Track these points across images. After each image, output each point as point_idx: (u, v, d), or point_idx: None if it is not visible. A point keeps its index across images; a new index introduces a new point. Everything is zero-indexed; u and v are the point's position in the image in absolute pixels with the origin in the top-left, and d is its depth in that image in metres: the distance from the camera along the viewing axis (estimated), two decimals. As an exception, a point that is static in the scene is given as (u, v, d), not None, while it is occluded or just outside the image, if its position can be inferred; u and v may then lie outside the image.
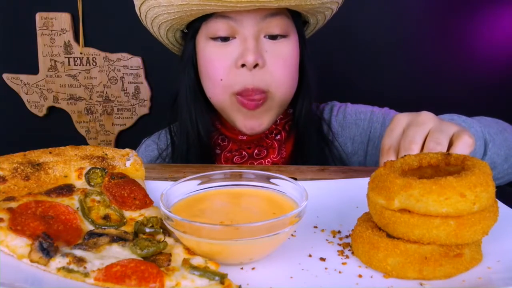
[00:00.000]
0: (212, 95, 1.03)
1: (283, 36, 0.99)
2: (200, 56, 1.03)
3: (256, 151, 1.07)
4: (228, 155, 1.09)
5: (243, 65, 0.95)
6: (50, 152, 0.70)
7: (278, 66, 0.98)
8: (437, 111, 0.81)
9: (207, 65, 1.01)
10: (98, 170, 0.69)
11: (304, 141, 1.09)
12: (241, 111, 1.00)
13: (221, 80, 0.98)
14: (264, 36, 0.97)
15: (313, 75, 1.09)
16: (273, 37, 0.98)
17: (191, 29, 1.03)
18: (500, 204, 0.61)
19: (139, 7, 1.00)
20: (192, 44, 1.04)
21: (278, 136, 1.09)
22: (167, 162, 1.14)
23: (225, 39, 0.98)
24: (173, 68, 1.15)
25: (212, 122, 1.10)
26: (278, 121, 1.09)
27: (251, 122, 1.01)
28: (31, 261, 0.51)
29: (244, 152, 1.08)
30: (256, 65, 0.95)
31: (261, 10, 0.95)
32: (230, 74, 0.97)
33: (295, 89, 1.06)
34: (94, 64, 2.11)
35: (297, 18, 1.04)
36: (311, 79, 1.08)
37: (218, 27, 0.96)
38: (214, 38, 0.98)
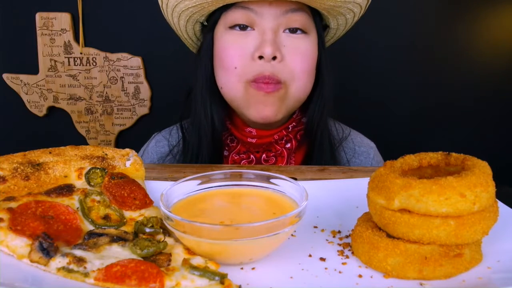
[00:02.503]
0: (224, 84, 1.01)
1: (303, 31, 0.97)
2: (217, 46, 1.01)
3: (264, 156, 1.06)
4: (236, 157, 1.07)
5: (260, 58, 0.93)
6: (50, 152, 0.70)
7: (296, 61, 0.96)
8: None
9: (221, 53, 0.99)
10: (98, 170, 0.69)
11: (316, 151, 1.06)
12: (254, 99, 0.97)
13: (235, 68, 0.96)
14: (284, 31, 0.96)
15: (329, 80, 1.06)
16: (292, 31, 0.96)
17: (211, 20, 1.02)
18: (500, 204, 0.61)
19: None
20: (210, 35, 1.03)
21: (288, 145, 1.07)
22: (177, 159, 1.12)
23: (243, 28, 0.96)
24: (188, 64, 1.13)
25: (224, 119, 1.07)
26: (290, 128, 1.07)
27: (264, 110, 0.98)
28: (31, 261, 0.51)
29: (252, 156, 1.06)
30: (274, 58, 0.93)
31: (282, 5, 0.94)
32: (246, 64, 0.95)
33: (310, 88, 1.03)
34: (94, 64, 2.11)
35: (318, 20, 1.02)
36: (327, 84, 1.05)
37: (237, 16, 0.95)
38: (232, 27, 0.97)
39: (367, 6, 1.04)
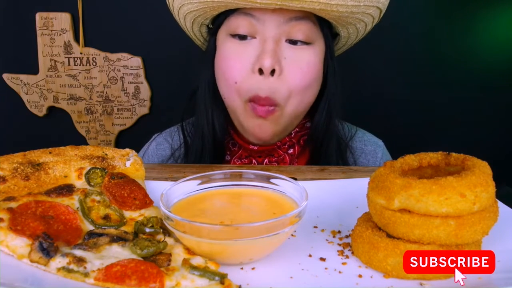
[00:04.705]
0: (226, 97, 0.99)
1: (305, 43, 0.93)
2: (218, 53, 0.99)
3: (266, 161, 1.05)
4: (238, 162, 1.06)
5: (260, 71, 0.90)
6: (50, 152, 0.70)
7: (296, 76, 0.92)
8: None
9: (222, 64, 0.97)
10: (98, 170, 0.69)
11: (321, 158, 1.04)
12: (252, 118, 0.96)
13: (236, 83, 0.94)
14: (286, 41, 0.92)
15: (336, 90, 1.03)
16: (293, 42, 0.93)
17: (215, 24, 1.00)
18: (500, 204, 0.61)
19: None
20: (214, 39, 1.01)
21: (291, 150, 1.05)
22: (179, 162, 1.11)
23: (243, 37, 0.93)
24: (189, 64, 1.12)
25: (225, 126, 1.06)
26: (293, 134, 1.05)
27: (259, 131, 0.97)
28: (31, 261, 0.51)
29: (254, 161, 1.05)
30: (273, 72, 0.90)
31: (286, 12, 0.90)
32: (245, 79, 0.93)
33: (311, 102, 1.00)
34: (94, 64, 2.11)
35: (326, 28, 0.98)
36: (332, 94, 1.02)
37: (239, 23, 0.92)
38: (233, 35, 0.94)
39: (381, 17, 0.99)
